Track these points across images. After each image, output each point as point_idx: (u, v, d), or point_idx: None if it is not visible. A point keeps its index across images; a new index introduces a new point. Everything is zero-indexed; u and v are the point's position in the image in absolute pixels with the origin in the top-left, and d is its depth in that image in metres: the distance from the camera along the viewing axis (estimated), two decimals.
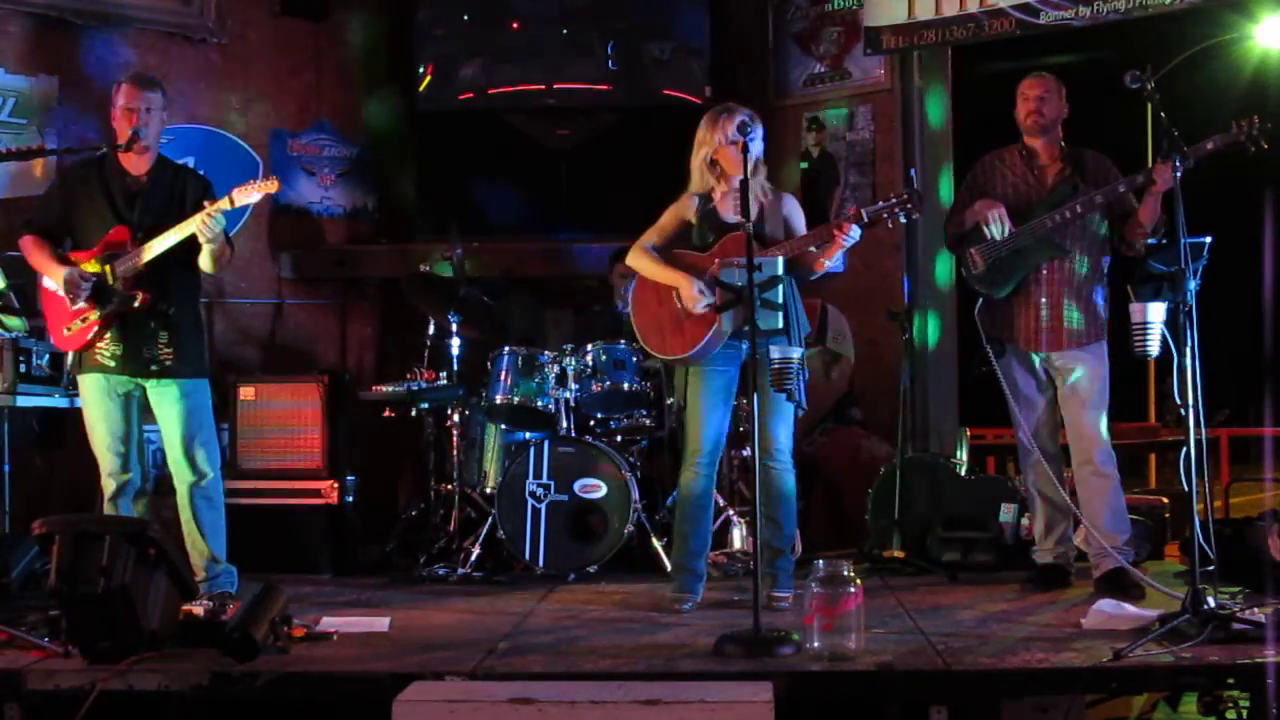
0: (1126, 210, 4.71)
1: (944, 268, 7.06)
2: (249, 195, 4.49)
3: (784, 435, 4.58)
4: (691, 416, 4.64)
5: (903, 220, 4.44)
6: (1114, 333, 4.74)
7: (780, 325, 4.30)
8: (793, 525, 4.70)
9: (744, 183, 4.14)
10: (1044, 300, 4.73)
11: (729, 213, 4.58)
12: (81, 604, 3.67)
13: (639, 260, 4.70)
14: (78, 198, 4.71)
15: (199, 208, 4.49)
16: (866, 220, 4.39)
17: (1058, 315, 4.72)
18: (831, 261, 4.53)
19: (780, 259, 4.35)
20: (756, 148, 4.47)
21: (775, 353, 4.25)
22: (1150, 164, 4.58)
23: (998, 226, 4.65)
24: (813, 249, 4.50)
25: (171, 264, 4.57)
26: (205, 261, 4.61)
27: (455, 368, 5.87)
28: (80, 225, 4.69)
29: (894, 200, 4.41)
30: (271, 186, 4.53)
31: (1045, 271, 4.73)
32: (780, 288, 4.26)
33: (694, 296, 4.51)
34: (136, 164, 4.69)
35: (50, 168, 6.29)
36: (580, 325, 6.37)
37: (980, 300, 4.87)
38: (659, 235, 4.70)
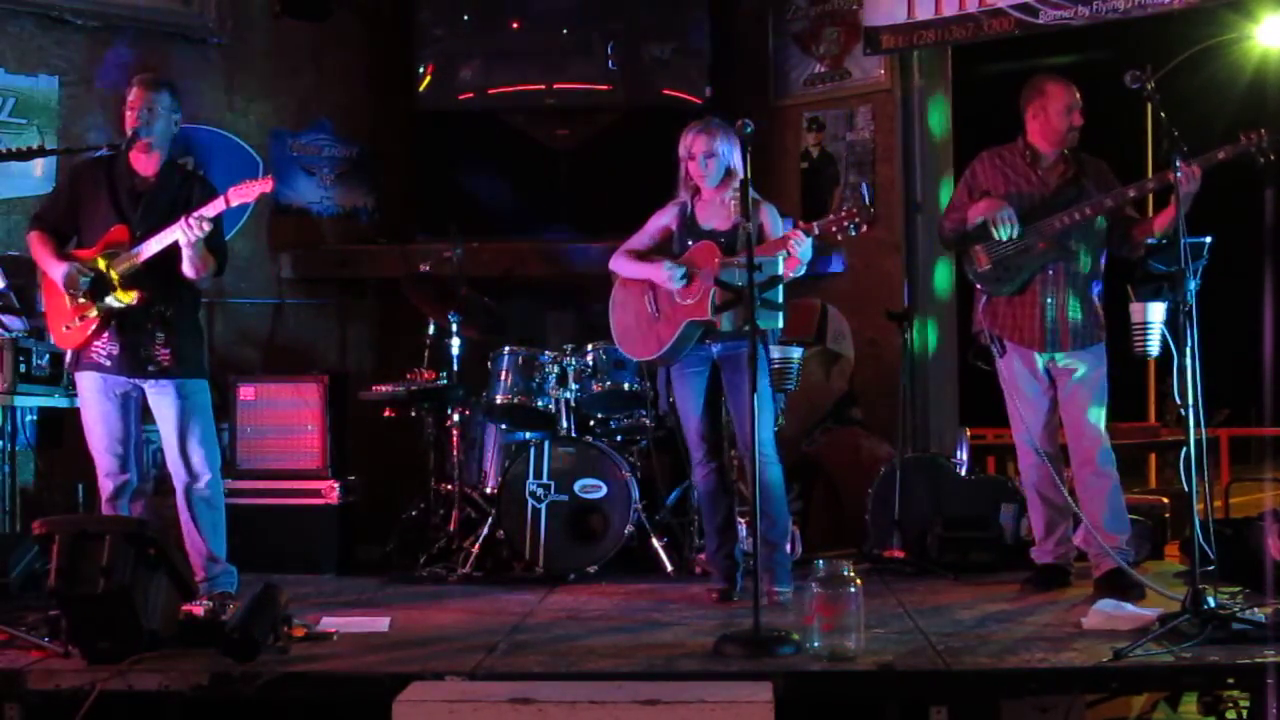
0: (1127, 214, 4.71)
1: (944, 268, 7.05)
2: (244, 195, 4.48)
3: (767, 430, 4.64)
4: (682, 421, 4.83)
5: (852, 234, 4.47)
6: (1114, 333, 4.74)
7: (780, 325, 4.32)
8: (785, 518, 4.74)
9: (744, 182, 4.16)
10: (1049, 301, 4.72)
11: (705, 220, 4.74)
12: (81, 604, 3.68)
13: (617, 263, 4.87)
14: (84, 196, 4.71)
15: None
16: (817, 232, 4.47)
17: (1063, 316, 4.71)
18: (795, 270, 4.53)
19: (779, 258, 4.39)
20: (721, 161, 4.65)
21: (776, 353, 4.29)
22: (1151, 167, 4.59)
23: (1007, 228, 4.64)
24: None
25: (171, 265, 4.55)
26: (185, 266, 4.55)
27: (455, 368, 5.87)
28: (85, 223, 4.69)
29: (843, 213, 4.46)
30: (266, 186, 4.52)
31: (1051, 272, 4.72)
32: (781, 288, 4.28)
33: (667, 276, 4.63)
34: (145, 165, 4.68)
35: (50, 168, 6.30)
36: (580, 325, 6.37)
37: (984, 299, 4.87)
38: (641, 241, 4.88)
